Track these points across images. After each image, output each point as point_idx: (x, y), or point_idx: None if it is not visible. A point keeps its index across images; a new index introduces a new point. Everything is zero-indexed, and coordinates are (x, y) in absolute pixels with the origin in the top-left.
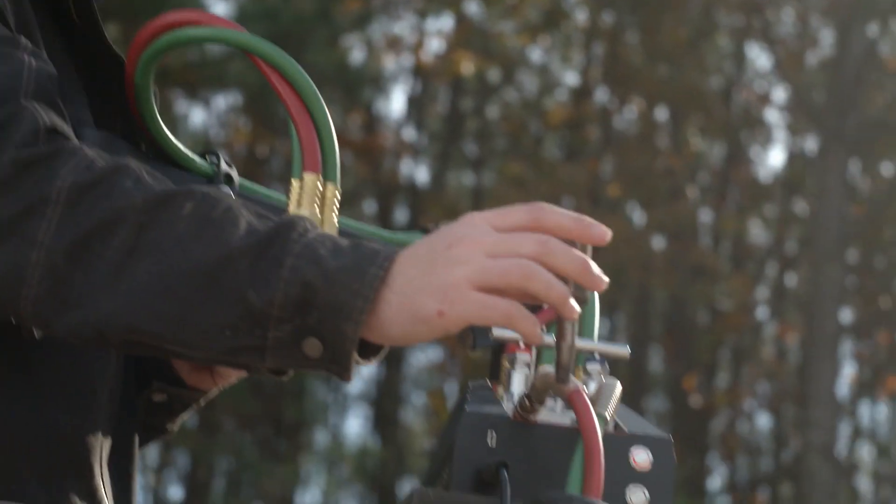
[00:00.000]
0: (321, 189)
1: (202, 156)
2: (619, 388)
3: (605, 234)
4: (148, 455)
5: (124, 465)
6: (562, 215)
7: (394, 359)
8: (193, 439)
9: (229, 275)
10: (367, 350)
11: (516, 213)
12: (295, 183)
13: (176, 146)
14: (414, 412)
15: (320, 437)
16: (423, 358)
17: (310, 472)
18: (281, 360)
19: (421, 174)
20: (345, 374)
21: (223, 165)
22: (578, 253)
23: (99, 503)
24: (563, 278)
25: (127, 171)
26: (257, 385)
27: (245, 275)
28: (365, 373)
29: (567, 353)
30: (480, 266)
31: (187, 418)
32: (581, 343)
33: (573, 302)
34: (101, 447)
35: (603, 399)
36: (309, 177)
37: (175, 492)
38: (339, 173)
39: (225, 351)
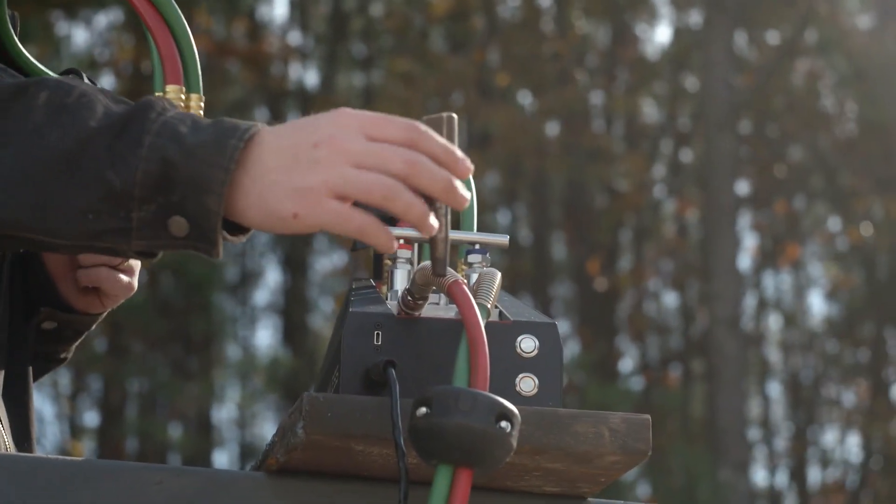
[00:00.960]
0: (185, 101)
1: (65, 75)
2: (499, 277)
3: (469, 169)
4: (60, 382)
5: (18, 395)
6: (436, 143)
7: (298, 266)
8: (104, 363)
9: (87, 157)
10: (235, 228)
11: (392, 126)
12: (158, 96)
13: (36, 66)
14: (323, 318)
15: (231, 352)
16: (327, 263)
17: (223, 387)
18: (147, 241)
19: (310, 78)
20: (212, 250)
21: (85, 83)
22: (443, 173)
23: None
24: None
25: None
26: (164, 304)
27: (104, 156)
28: (271, 282)
29: (441, 244)
30: (342, 176)
31: (85, 343)
32: (459, 235)
33: (432, 220)
34: None
35: (483, 289)
36: (172, 89)
37: (90, 417)
38: (201, 82)
39: (89, 235)
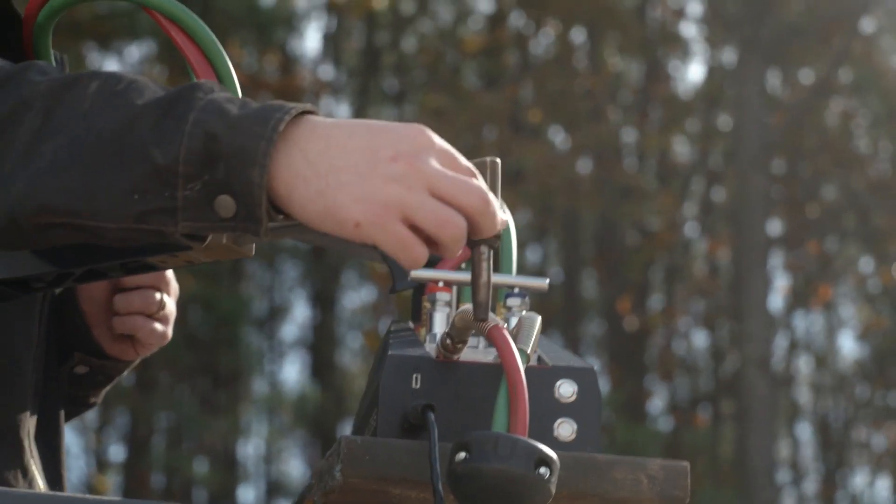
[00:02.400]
0: None
1: None
2: (539, 322)
3: (504, 225)
4: (87, 416)
5: (51, 439)
6: (491, 216)
7: (327, 302)
8: (131, 397)
9: (133, 136)
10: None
11: (462, 163)
12: None
13: None
14: (351, 354)
15: (258, 387)
16: (356, 299)
17: (250, 422)
18: (193, 222)
19: (342, 112)
20: (258, 228)
21: None
22: (500, 219)
23: (29, 477)
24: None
25: (35, 65)
26: (192, 338)
27: (149, 134)
28: (299, 317)
29: (483, 289)
30: (421, 202)
31: (118, 383)
32: (499, 278)
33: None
34: (28, 421)
35: (523, 334)
36: None
37: (116, 451)
38: None
39: (135, 217)
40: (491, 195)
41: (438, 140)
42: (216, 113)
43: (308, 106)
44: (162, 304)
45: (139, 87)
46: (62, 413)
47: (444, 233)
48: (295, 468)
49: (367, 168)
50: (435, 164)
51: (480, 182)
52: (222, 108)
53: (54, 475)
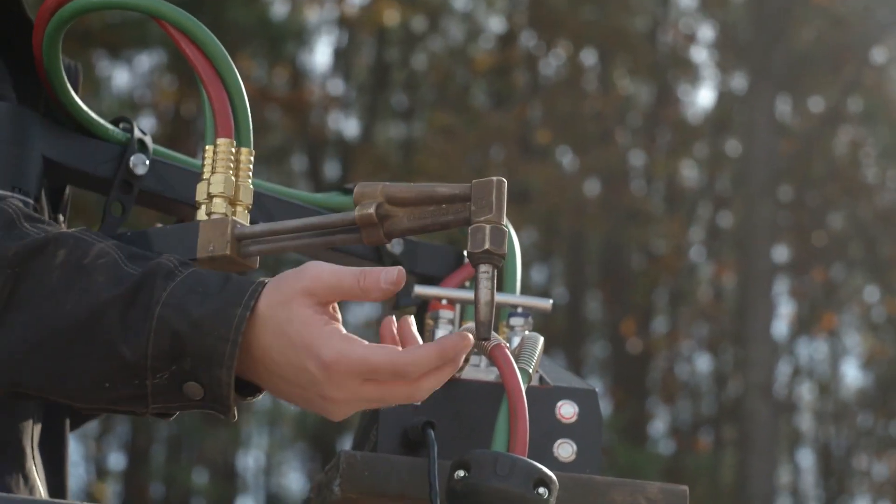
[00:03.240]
0: (234, 154)
1: (115, 123)
2: (541, 342)
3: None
4: (88, 424)
5: (55, 447)
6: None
7: None
8: None
9: (101, 328)
10: (252, 388)
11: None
12: (209, 149)
13: (89, 115)
14: None
15: (260, 399)
16: (360, 313)
17: (250, 433)
18: (164, 404)
19: (350, 127)
20: (227, 413)
21: (136, 132)
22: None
23: (30, 485)
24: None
25: (2, 215)
26: None
27: (116, 327)
28: None
29: (486, 308)
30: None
31: None
32: (502, 298)
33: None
34: (33, 429)
35: (526, 353)
36: (222, 142)
37: (116, 459)
38: (252, 137)
39: (106, 401)
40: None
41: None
42: (179, 309)
43: (262, 284)
44: None
45: (105, 264)
46: (67, 422)
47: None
48: (294, 481)
49: (303, 401)
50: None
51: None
52: (183, 303)
53: (57, 483)
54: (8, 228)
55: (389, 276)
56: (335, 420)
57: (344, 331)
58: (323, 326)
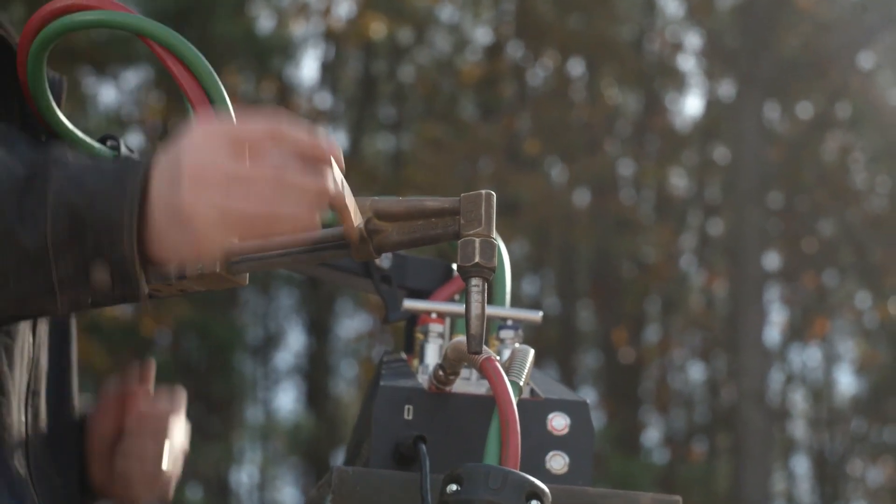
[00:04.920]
0: None
1: (102, 141)
2: (532, 354)
3: (335, 150)
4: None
5: (64, 465)
6: (297, 138)
7: (321, 330)
8: None
9: None
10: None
11: (255, 128)
12: None
13: (74, 133)
14: (345, 383)
15: (251, 414)
16: (351, 327)
17: (244, 449)
18: (73, 297)
19: (338, 140)
20: (136, 293)
21: (123, 150)
22: (310, 183)
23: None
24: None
25: None
26: (186, 365)
27: (13, 215)
28: (293, 345)
29: (477, 322)
30: (222, 209)
31: None
32: (492, 310)
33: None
34: (18, 455)
35: (516, 366)
36: None
37: None
38: None
39: (16, 300)
40: (285, 173)
41: (223, 127)
42: (75, 186)
43: (153, 159)
44: (159, 457)
45: None
46: (75, 438)
47: (255, 229)
48: (288, 496)
49: (175, 189)
50: (226, 159)
51: (283, 136)
52: (80, 181)
53: (63, 500)
54: None
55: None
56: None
57: None
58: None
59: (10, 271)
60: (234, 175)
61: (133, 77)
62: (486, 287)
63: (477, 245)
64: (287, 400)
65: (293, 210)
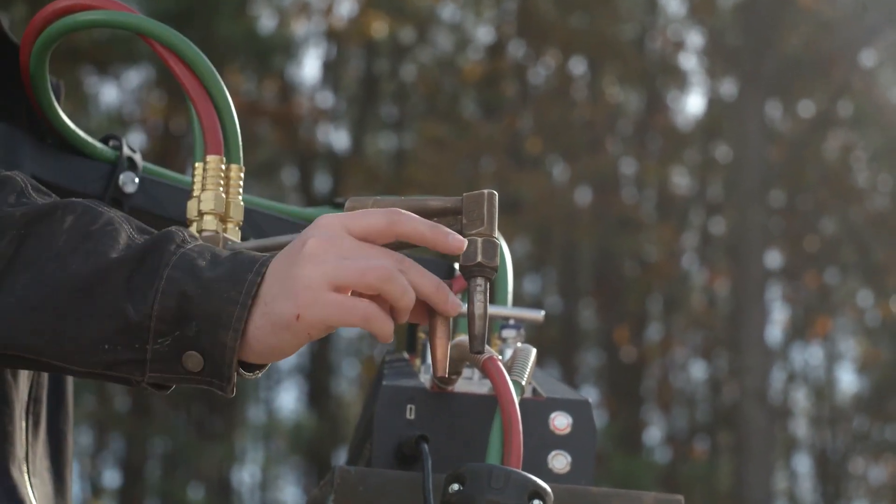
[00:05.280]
0: (224, 171)
1: (104, 141)
2: (534, 353)
3: (461, 244)
4: (82, 441)
5: (59, 469)
6: (418, 222)
7: None
8: (127, 423)
9: (106, 287)
10: (249, 366)
11: (372, 216)
12: (198, 166)
13: (76, 133)
14: (347, 382)
15: (253, 414)
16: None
17: (245, 449)
18: (161, 373)
19: (340, 140)
20: (226, 387)
21: (125, 150)
22: (431, 275)
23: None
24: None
25: (10, 184)
26: None
27: (122, 287)
28: None
29: (479, 321)
30: (335, 265)
31: (108, 402)
32: (494, 310)
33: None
34: (19, 454)
35: (518, 366)
36: (212, 159)
37: (111, 476)
38: (242, 153)
39: (103, 365)
40: (405, 258)
41: (340, 216)
42: (188, 272)
43: (273, 256)
44: None
45: (113, 231)
46: (71, 443)
47: (367, 280)
48: (290, 495)
49: (286, 269)
50: (343, 237)
51: (403, 220)
52: (194, 266)
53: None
54: (17, 195)
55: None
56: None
57: None
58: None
59: (107, 338)
60: (353, 246)
61: (134, 76)
62: (488, 286)
63: (479, 245)
64: (289, 399)
65: (405, 284)
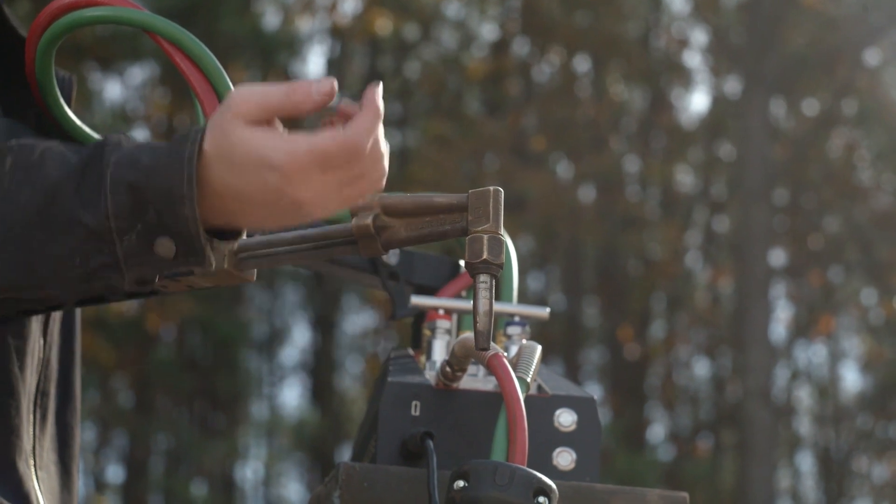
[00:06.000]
0: None
1: None
2: (539, 350)
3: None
4: (85, 437)
5: (66, 463)
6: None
7: (327, 326)
8: (130, 419)
9: (58, 206)
10: (227, 235)
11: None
12: None
13: (83, 130)
14: (350, 379)
15: (257, 410)
16: (357, 323)
17: (249, 445)
18: (139, 270)
19: None
20: (203, 261)
21: None
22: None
23: (25, 496)
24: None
25: None
26: (191, 361)
27: (73, 200)
28: (299, 341)
29: (485, 318)
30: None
31: (111, 398)
32: (499, 307)
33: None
34: (26, 448)
35: (523, 363)
36: None
37: (114, 472)
38: None
39: (80, 278)
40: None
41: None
42: (130, 164)
43: (202, 128)
44: None
45: (52, 155)
46: (78, 437)
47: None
48: (294, 492)
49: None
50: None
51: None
52: (134, 159)
53: (66, 499)
54: None
55: (321, 86)
56: (322, 217)
57: (286, 133)
58: (263, 136)
59: (76, 251)
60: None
61: (138, 73)
62: (493, 284)
63: (485, 241)
64: (292, 396)
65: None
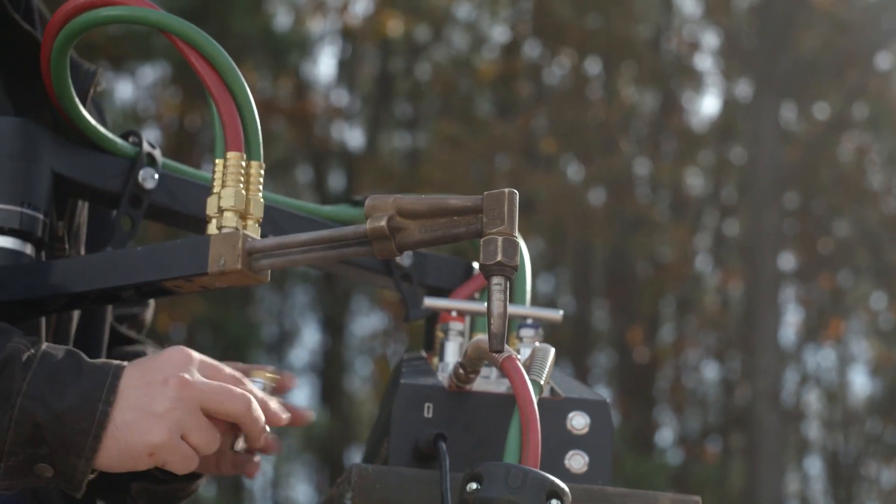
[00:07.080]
0: (245, 167)
1: (124, 137)
2: (552, 353)
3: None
4: None
5: None
6: (257, 413)
7: (337, 327)
8: None
9: None
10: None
11: (231, 374)
12: (218, 162)
13: (97, 129)
14: (360, 380)
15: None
16: (366, 325)
17: None
18: (13, 480)
19: (354, 138)
20: (76, 492)
21: (145, 146)
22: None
23: None
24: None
25: None
26: None
27: None
28: (308, 342)
29: (499, 320)
30: (195, 423)
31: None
32: (513, 309)
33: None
34: None
35: (537, 365)
36: (232, 156)
37: None
38: (262, 150)
39: None
40: (254, 400)
41: (198, 355)
42: (40, 401)
43: (122, 368)
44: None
45: None
46: None
47: (214, 446)
48: (302, 493)
49: (147, 400)
50: (199, 377)
51: (244, 388)
52: (44, 395)
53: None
54: None
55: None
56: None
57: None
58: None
59: None
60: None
61: (150, 73)
62: (507, 285)
63: (500, 243)
64: (301, 397)
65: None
